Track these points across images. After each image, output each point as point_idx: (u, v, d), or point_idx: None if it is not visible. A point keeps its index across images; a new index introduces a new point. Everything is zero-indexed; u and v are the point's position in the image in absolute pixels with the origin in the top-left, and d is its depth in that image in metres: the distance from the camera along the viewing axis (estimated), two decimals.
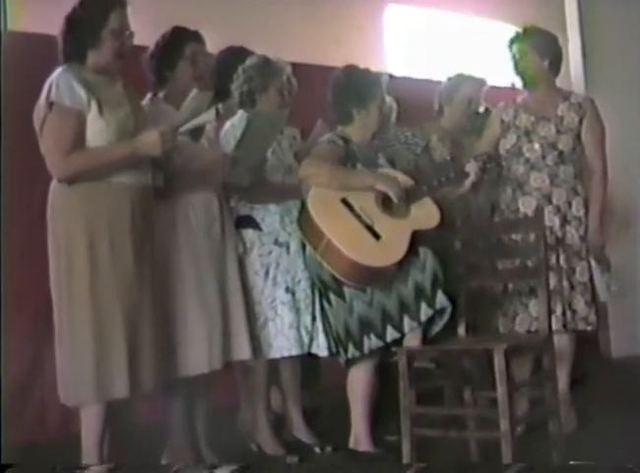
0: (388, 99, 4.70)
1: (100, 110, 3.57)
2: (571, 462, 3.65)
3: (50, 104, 3.54)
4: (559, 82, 4.86)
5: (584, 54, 6.66)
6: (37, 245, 3.69)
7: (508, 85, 4.92)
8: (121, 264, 3.57)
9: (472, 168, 4.34)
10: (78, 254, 3.54)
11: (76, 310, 3.54)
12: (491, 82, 5.42)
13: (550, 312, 4.06)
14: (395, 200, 4.11)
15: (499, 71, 5.13)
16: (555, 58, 4.71)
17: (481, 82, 5.18)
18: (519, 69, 4.72)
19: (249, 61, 4.48)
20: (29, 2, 5.42)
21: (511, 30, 5.03)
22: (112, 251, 3.56)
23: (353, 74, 4.40)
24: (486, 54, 7.01)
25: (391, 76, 5.02)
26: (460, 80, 5.15)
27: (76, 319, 3.54)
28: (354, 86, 4.35)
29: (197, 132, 3.90)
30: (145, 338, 3.60)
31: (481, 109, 5.13)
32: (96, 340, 3.51)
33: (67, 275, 3.56)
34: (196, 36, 4.29)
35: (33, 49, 4.79)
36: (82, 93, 3.55)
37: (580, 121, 4.62)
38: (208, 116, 3.75)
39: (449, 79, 5.20)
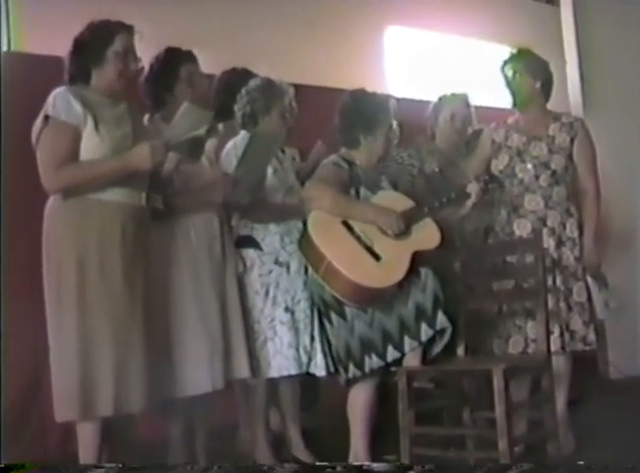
0: (395, 123, 4.73)
1: (96, 127, 3.62)
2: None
3: (46, 119, 3.61)
4: (558, 103, 4.91)
5: (581, 76, 6.71)
6: (39, 260, 3.69)
7: (508, 106, 4.93)
8: (110, 282, 3.59)
9: (473, 188, 4.39)
10: (67, 270, 3.57)
11: (64, 326, 3.57)
12: (491, 103, 5.45)
13: (549, 334, 4.07)
14: (393, 236, 4.14)
15: (499, 92, 5.14)
16: (547, 81, 4.75)
17: (463, 97, 5.17)
18: (511, 89, 4.76)
19: (252, 83, 4.51)
20: (32, 23, 5.46)
21: (509, 52, 5.08)
22: (101, 269, 3.58)
23: (362, 99, 4.42)
24: (485, 76, 7.04)
25: (391, 97, 5.04)
26: (443, 99, 5.17)
27: (63, 336, 3.57)
28: (363, 111, 4.37)
29: (196, 150, 3.90)
30: (134, 357, 3.61)
31: (475, 124, 5.15)
32: (82, 357, 3.53)
33: (57, 291, 3.60)
34: (190, 57, 4.33)
35: (36, 70, 4.82)
36: (78, 108, 3.61)
37: (571, 141, 4.66)
38: (199, 131, 3.77)
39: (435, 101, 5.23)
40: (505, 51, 5.03)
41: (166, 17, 5.68)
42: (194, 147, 3.86)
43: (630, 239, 6.53)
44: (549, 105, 4.88)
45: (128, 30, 3.76)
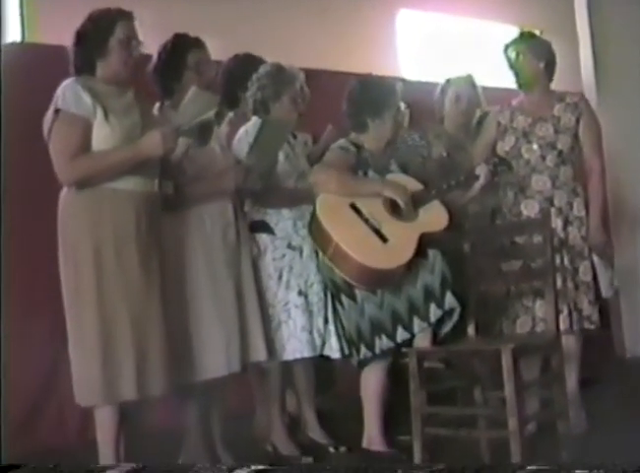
0: (402, 106, 4.75)
1: (106, 117, 3.66)
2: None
3: (57, 112, 3.65)
4: (571, 84, 4.92)
5: (594, 56, 6.70)
6: (54, 251, 3.73)
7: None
8: (127, 269, 3.64)
9: (482, 170, 4.41)
10: (84, 260, 3.62)
11: (83, 314, 3.62)
12: (504, 84, 5.46)
13: (558, 313, 4.10)
14: (402, 206, 4.18)
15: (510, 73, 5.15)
16: (550, 62, 4.78)
17: (468, 78, 5.20)
18: (516, 70, 4.80)
19: (262, 69, 4.53)
20: (45, 14, 5.51)
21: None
22: (117, 257, 3.63)
23: (369, 84, 4.46)
24: (498, 57, 7.04)
25: (403, 80, 5.06)
26: (448, 82, 5.21)
27: (83, 323, 3.62)
28: (370, 96, 4.40)
29: (205, 133, 3.93)
30: (154, 342, 3.66)
31: (484, 105, 5.18)
32: (104, 343, 3.58)
33: (75, 280, 3.64)
34: (197, 43, 4.33)
35: (50, 60, 4.85)
36: (88, 100, 3.65)
37: (577, 121, 4.68)
38: (208, 114, 3.80)
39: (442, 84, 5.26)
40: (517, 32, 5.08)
41: (175, 4, 5.74)
42: (203, 131, 3.90)
43: None
44: (562, 85, 4.91)
45: (128, 16, 3.79)
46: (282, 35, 6.22)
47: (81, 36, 3.76)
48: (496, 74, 5.61)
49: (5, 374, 4.61)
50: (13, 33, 5.48)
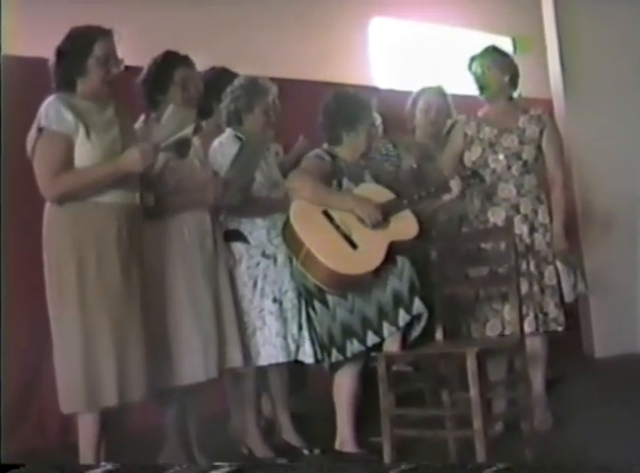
0: (378, 119, 4.85)
1: (88, 134, 3.74)
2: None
3: (40, 130, 3.74)
4: (539, 90, 5.03)
5: (562, 62, 6.81)
6: (40, 261, 3.82)
7: None
8: (108, 279, 3.73)
9: (455, 185, 4.50)
10: (67, 270, 3.71)
11: (66, 323, 3.71)
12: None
13: (522, 316, 4.21)
14: (370, 226, 4.28)
15: None
16: (514, 75, 4.91)
17: (438, 89, 5.37)
18: (481, 82, 4.91)
19: (237, 82, 4.63)
20: (24, 26, 5.56)
21: (493, 40, 5.20)
22: (99, 267, 3.72)
23: (344, 98, 4.56)
24: None
25: (377, 89, 5.15)
26: (420, 92, 5.35)
27: (66, 332, 3.71)
28: (345, 110, 4.51)
29: (183, 148, 4.01)
30: (134, 349, 3.75)
31: (454, 115, 5.30)
32: (86, 351, 3.68)
33: (58, 288, 3.74)
34: (186, 61, 4.44)
35: (30, 73, 4.91)
36: (69, 118, 3.73)
37: (541, 132, 4.82)
38: (186, 131, 3.89)
39: (413, 95, 5.39)
40: (490, 38, 5.17)
41: (154, 15, 5.80)
42: (182, 146, 3.98)
43: (613, 223, 6.64)
44: (530, 93, 5.02)
45: (107, 34, 3.86)
46: (256, 44, 6.27)
47: (60, 55, 3.83)
48: (471, 82, 5.73)
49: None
50: None
